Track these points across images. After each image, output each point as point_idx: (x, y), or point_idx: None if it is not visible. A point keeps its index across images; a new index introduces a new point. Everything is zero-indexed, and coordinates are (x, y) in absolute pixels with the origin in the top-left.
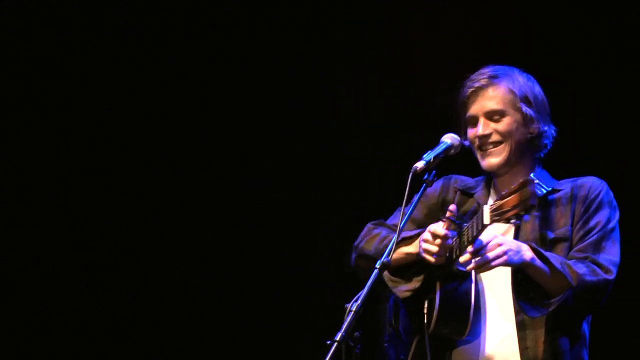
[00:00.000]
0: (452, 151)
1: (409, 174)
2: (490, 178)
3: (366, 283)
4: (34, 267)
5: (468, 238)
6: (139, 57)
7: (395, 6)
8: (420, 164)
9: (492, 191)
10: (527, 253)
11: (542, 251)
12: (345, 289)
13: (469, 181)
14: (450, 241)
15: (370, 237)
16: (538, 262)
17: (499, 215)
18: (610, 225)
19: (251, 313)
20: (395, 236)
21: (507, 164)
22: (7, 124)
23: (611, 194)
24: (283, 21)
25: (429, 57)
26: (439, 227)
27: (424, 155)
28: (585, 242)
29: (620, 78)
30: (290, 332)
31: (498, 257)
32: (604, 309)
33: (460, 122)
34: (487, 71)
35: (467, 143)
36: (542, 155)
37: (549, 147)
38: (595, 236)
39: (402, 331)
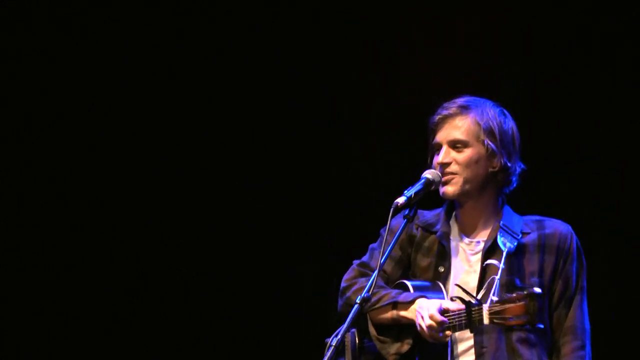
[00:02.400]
0: (433, 187)
1: (390, 210)
2: (450, 209)
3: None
4: (34, 268)
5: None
6: (139, 57)
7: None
8: (401, 200)
9: (452, 224)
10: None
11: None
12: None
13: (428, 217)
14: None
15: (358, 288)
16: None
17: (500, 320)
18: (584, 282)
19: (251, 313)
20: (375, 273)
21: (463, 194)
22: (7, 124)
23: (579, 241)
24: (283, 21)
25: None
26: (438, 316)
27: (405, 191)
28: (572, 323)
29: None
30: (290, 333)
31: None
32: (604, 310)
33: (429, 151)
34: (459, 101)
35: None
36: (506, 191)
37: (514, 184)
38: (577, 311)
39: None
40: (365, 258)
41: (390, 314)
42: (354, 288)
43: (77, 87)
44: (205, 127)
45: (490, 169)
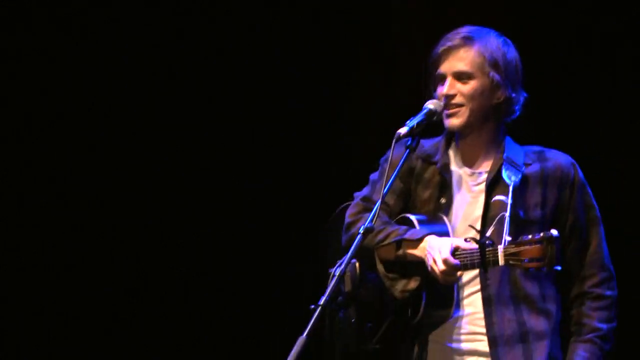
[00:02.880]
0: (435, 117)
1: (392, 139)
2: (449, 138)
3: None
4: (34, 268)
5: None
6: (139, 57)
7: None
8: (403, 130)
9: (452, 154)
10: None
11: None
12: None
13: (427, 146)
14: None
15: (363, 223)
16: None
17: (515, 261)
18: (597, 213)
19: (251, 313)
20: (378, 203)
21: (468, 126)
22: (7, 124)
23: (581, 172)
24: (283, 21)
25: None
26: (451, 259)
27: (407, 122)
28: (592, 258)
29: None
30: (290, 333)
31: None
32: None
33: (430, 81)
34: (462, 31)
35: None
36: (508, 120)
37: (517, 114)
38: (596, 242)
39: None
40: (366, 191)
41: (398, 251)
42: (358, 224)
43: (77, 87)
44: (205, 127)
45: (495, 101)
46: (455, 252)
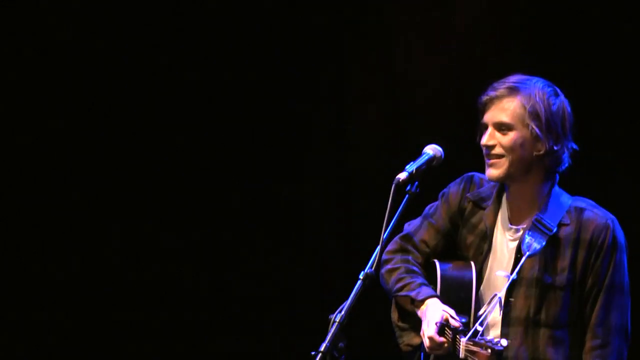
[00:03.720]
0: (435, 162)
1: (391, 185)
2: (502, 187)
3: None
4: (34, 268)
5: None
6: (139, 57)
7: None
8: (402, 175)
9: (503, 206)
10: None
11: None
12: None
13: (483, 189)
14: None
15: (392, 268)
16: None
17: (472, 358)
18: (618, 280)
19: (251, 313)
20: (380, 247)
21: (509, 177)
22: (6, 124)
23: (619, 235)
24: (283, 21)
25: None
26: (436, 337)
27: (407, 167)
28: (598, 325)
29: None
30: (290, 332)
31: None
32: None
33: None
34: (509, 81)
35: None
36: (559, 171)
37: (565, 165)
38: (602, 312)
39: None
40: (408, 228)
41: (410, 304)
42: (388, 267)
43: (77, 87)
44: (205, 127)
45: (535, 153)
46: (443, 327)
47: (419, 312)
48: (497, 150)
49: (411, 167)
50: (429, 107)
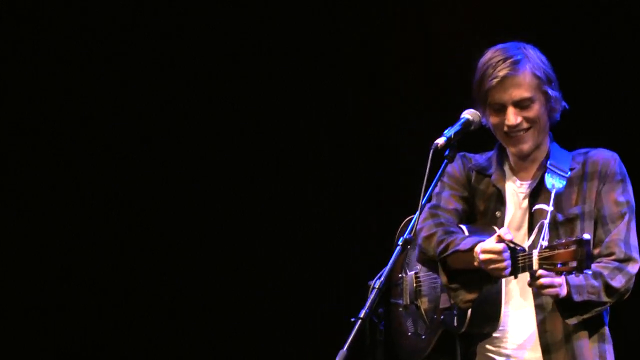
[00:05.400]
0: (472, 127)
1: (429, 150)
2: (500, 153)
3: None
4: (34, 268)
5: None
6: (139, 57)
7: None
8: (441, 140)
9: (506, 170)
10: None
11: (574, 295)
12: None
13: (480, 160)
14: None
15: (429, 235)
16: (576, 297)
17: (549, 265)
18: (627, 207)
19: (250, 313)
20: (418, 212)
21: (536, 145)
22: (6, 124)
23: (623, 165)
24: (282, 21)
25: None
26: (495, 245)
27: (445, 132)
28: (610, 238)
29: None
30: (290, 332)
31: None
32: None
33: (479, 104)
34: (505, 56)
35: (484, 121)
36: (556, 120)
37: (558, 117)
38: (618, 228)
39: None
40: (434, 201)
41: (457, 261)
42: (424, 234)
43: (77, 87)
44: (205, 127)
45: (553, 114)
46: (501, 240)
47: (469, 260)
48: (524, 124)
49: (449, 131)
50: (430, 107)
